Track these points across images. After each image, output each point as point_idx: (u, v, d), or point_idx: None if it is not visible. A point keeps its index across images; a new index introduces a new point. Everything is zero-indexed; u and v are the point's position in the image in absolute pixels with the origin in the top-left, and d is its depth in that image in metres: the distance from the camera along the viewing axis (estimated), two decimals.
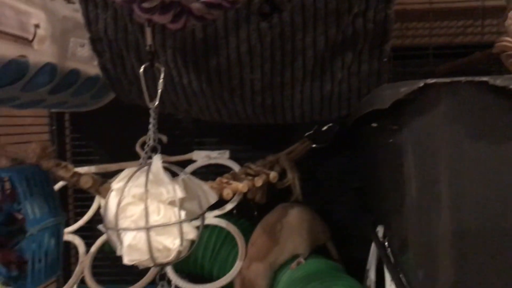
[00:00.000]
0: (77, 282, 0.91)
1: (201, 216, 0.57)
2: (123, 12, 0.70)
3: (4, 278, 0.65)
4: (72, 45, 0.85)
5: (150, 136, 0.58)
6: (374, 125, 0.75)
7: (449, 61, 0.93)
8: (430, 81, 0.39)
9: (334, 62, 0.72)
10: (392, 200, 0.60)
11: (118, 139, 1.13)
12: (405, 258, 0.53)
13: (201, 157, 1.06)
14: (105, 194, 0.76)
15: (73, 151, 1.15)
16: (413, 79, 0.41)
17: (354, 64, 0.73)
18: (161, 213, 0.53)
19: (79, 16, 0.77)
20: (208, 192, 0.59)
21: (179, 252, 0.54)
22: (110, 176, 0.87)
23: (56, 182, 0.90)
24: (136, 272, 0.95)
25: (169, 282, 0.90)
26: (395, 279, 0.53)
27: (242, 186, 0.86)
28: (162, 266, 0.55)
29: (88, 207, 1.05)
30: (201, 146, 1.11)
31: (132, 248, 0.52)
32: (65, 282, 1.02)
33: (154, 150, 0.57)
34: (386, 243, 0.65)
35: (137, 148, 1.07)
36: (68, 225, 0.99)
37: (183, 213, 0.54)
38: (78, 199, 1.13)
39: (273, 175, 0.90)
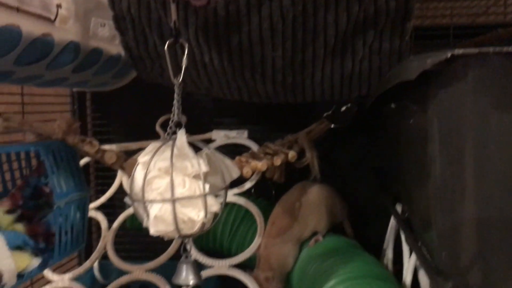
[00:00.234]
0: (99, 257, 0.93)
1: (225, 189, 0.58)
2: None
3: (33, 249, 0.68)
4: (93, 25, 0.86)
5: (174, 112, 0.59)
6: (393, 106, 0.76)
7: None
8: (458, 51, 0.39)
9: (355, 41, 0.72)
10: (414, 178, 0.60)
11: (138, 119, 1.14)
12: (428, 236, 0.53)
13: (220, 137, 1.07)
14: (128, 170, 0.78)
15: (94, 130, 1.17)
16: None
17: (375, 42, 0.73)
18: (186, 186, 0.54)
19: None
20: (231, 166, 0.60)
21: (203, 224, 0.55)
22: (130, 155, 0.88)
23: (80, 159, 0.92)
24: (155, 248, 0.98)
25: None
26: (417, 253, 0.53)
27: (261, 164, 0.87)
28: (186, 237, 0.56)
29: (109, 185, 1.07)
30: (220, 126, 1.12)
31: (158, 219, 0.53)
32: (87, 258, 1.05)
33: (178, 125, 0.58)
34: (406, 219, 0.66)
35: (157, 128, 1.09)
36: (90, 202, 1.01)
37: (207, 187, 0.55)
38: (99, 177, 1.16)
39: (291, 154, 0.91)
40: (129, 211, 0.97)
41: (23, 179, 0.76)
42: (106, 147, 1.05)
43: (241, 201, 0.95)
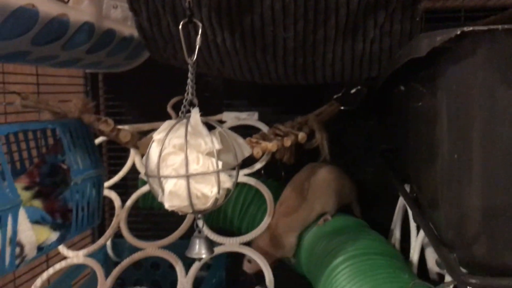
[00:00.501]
0: (113, 234, 0.96)
1: (237, 167, 0.59)
2: None
3: (51, 224, 0.70)
4: (106, 6, 0.87)
5: (188, 91, 0.60)
6: (402, 88, 0.77)
7: None
8: (467, 28, 0.39)
9: (366, 22, 0.73)
10: (422, 159, 0.61)
11: (150, 100, 1.16)
12: (435, 215, 0.54)
13: (231, 118, 1.08)
14: (142, 148, 0.80)
15: (107, 112, 1.18)
16: None
17: (386, 23, 0.74)
18: (200, 163, 0.55)
19: None
20: (243, 145, 0.61)
21: (216, 200, 0.56)
22: (142, 135, 0.90)
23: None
24: (166, 228, 1.00)
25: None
26: (425, 228, 0.54)
27: (271, 145, 0.89)
28: (200, 213, 0.58)
29: (121, 165, 1.09)
30: (230, 108, 1.13)
31: (173, 194, 0.55)
32: (100, 236, 1.08)
33: (192, 104, 0.60)
34: (414, 198, 0.67)
35: (169, 109, 1.10)
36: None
37: (220, 164, 0.56)
38: (112, 157, 1.18)
39: (301, 135, 0.92)
40: (141, 191, 1.00)
41: (40, 157, 0.78)
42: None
43: (252, 181, 0.96)
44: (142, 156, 1.02)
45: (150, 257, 0.99)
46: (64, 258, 0.94)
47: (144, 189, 0.99)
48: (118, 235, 1.02)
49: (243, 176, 0.96)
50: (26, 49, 0.73)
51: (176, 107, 1.10)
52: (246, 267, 0.94)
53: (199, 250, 0.61)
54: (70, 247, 0.96)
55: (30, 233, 0.62)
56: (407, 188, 0.79)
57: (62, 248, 0.93)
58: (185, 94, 0.60)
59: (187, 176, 0.54)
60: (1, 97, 0.85)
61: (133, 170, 1.07)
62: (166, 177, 0.55)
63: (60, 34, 0.75)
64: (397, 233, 0.87)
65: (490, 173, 0.45)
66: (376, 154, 1.06)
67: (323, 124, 0.98)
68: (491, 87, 0.42)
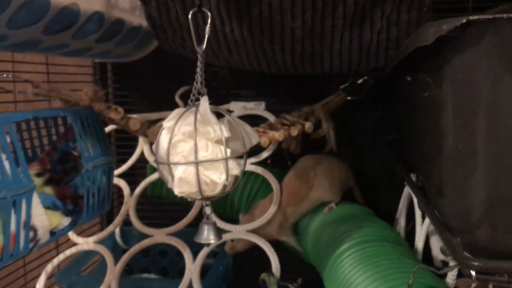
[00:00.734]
0: (122, 221, 0.97)
1: (245, 154, 0.61)
2: None
3: (62, 210, 0.72)
4: None
5: (197, 79, 0.61)
6: (409, 78, 0.77)
7: None
8: (473, 17, 0.40)
9: (374, 11, 0.73)
10: (428, 149, 0.62)
11: (158, 90, 1.17)
12: (441, 203, 0.55)
13: (238, 108, 1.09)
14: (151, 136, 0.81)
15: (115, 101, 1.20)
16: None
17: (394, 13, 0.74)
18: (209, 150, 0.56)
19: None
20: (251, 133, 0.62)
21: (225, 186, 0.57)
22: (151, 124, 0.91)
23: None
24: (174, 216, 1.01)
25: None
26: (430, 214, 0.55)
27: (278, 134, 0.90)
28: (208, 199, 0.59)
29: (129, 154, 1.10)
30: (237, 98, 1.14)
31: (182, 181, 0.56)
32: (108, 224, 1.10)
33: (201, 93, 0.60)
34: (420, 187, 0.68)
35: (176, 99, 1.12)
36: None
37: (228, 151, 0.57)
38: (120, 146, 1.19)
39: (308, 125, 0.93)
40: (150, 179, 1.01)
41: (51, 144, 0.79)
42: None
43: (258, 170, 0.97)
44: (151, 144, 1.04)
45: (158, 245, 1.01)
46: (74, 244, 0.96)
47: (153, 177, 1.01)
48: (125, 223, 1.04)
49: (250, 165, 0.97)
50: (38, 38, 0.74)
51: (184, 97, 1.12)
52: (228, 247, 0.96)
53: (208, 236, 0.62)
54: (79, 234, 0.98)
55: (43, 218, 0.64)
56: (413, 178, 0.80)
57: (72, 235, 0.95)
58: (194, 83, 0.61)
59: (196, 163, 0.55)
60: (11, 85, 0.86)
61: (141, 159, 1.08)
62: (176, 163, 0.56)
63: (71, 23, 0.76)
64: (402, 222, 0.88)
65: (494, 162, 0.46)
66: (382, 144, 1.06)
67: (329, 114, 0.99)
68: (496, 76, 0.42)
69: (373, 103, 1.08)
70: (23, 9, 0.65)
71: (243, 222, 0.94)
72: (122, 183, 1.01)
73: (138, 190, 0.98)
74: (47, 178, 0.76)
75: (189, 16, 0.59)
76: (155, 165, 1.01)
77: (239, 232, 0.92)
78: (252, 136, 0.62)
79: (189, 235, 0.98)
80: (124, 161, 1.09)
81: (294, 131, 0.91)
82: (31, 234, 0.62)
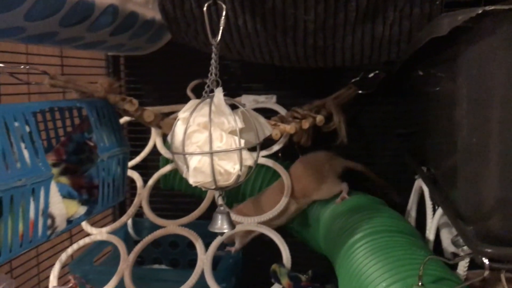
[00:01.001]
0: (135, 212, 0.99)
1: (258, 145, 0.61)
2: None
3: (78, 199, 0.73)
4: None
5: (212, 71, 0.62)
6: (420, 73, 0.77)
7: None
8: (488, 8, 0.40)
9: (386, 4, 0.73)
10: (441, 142, 0.62)
11: (170, 83, 1.18)
12: (453, 193, 0.55)
13: (249, 101, 1.10)
14: (165, 128, 0.82)
15: (128, 94, 1.21)
16: None
17: (406, 6, 0.74)
18: (223, 140, 0.57)
19: None
20: (264, 124, 0.63)
21: (238, 176, 0.58)
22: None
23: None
24: (185, 208, 1.02)
25: None
26: (442, 204, 0.55)
27: (289, 127, 0.90)
28: (222, 189, 0.60)
29: (142, 146, 1.12)
30: (248, 91, 1.14)
31: (197, 170, 0.57)
32: (120, 215, 1.11)
33: (216, 84, 0.61)
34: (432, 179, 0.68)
35: (188, 92, 1.12)
36: None
37: (242, 142, 0.58)
38: (132, 139, 1.20)
39: (319, 118, 0.94)
40: (163, 170, 1.02)
41: (66, 135, 0.81)
42: None
43: (270, 162, 0.98)
44: (164, 136, 1.05)
45: (169, 236, 1.02)
46: (88, 235, 0.97)
47: (165, 169, 1.02)
48: (136, 215, 1.06)
49: (261, 158, 0.98)
50: (54, 30, 0.75)
51: (195, 90, 1.13)
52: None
53: (221, 225, 0.63)
54: (92, 225, 1.00)
55: (60, 206, 0.65)
56: (424, 169, 0.80)
57: (86, 225, 0.97)
58: (209, 75, 0.62)
59: (211, 153, 0.56)
60: (25, 77, 0.87)
61: (153, 151, 1.10)
62: (191, 154, 0.57)
63: (86, 16, 0.77)
64: (413, 213, 0.88)
65: (507, 154, 0.46)
66: (392, 138, 1.07)
67: (340, 108, 0.99)
68: (511, 67, 0.42)
69: (383, 97, 1.09)
70: (40, 1, 0.66)
71: (238, 212, 0.96)
72: (135, 175, 1.02)
73: (151, 181, 1.00)
74: (63, 168, 0.77)
75: (204, 8, 0.60)
76: (167, 156, 1.02)
77: (250, 224, 0.93)
78: (265, 127, 0.63)
79: (200, 227, 0.99)
80: (137, 153, 1.11)
81: (306, 124, 0.92)
82: (49, 221, 0.64)
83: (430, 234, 0.76)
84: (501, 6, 0.40)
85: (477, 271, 0.64)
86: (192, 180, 0.58)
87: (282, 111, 1.06)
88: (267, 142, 0.99)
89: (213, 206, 0.95)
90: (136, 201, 0.97)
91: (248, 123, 0.61)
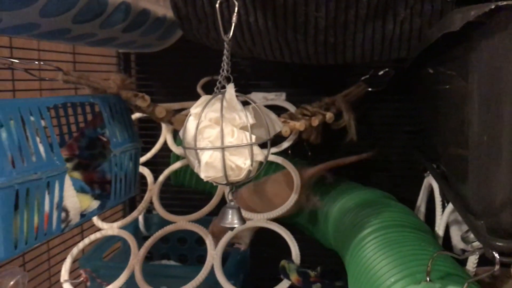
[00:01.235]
0: (146, 208, 1.00)
1: (269, 141, 0.62)
2: None
3: (91, 193, 0.74)
4: None
5: (224, 68, 0.63)
6: (430, 70, 0.77)
7: None
8: (502, 3, 0.40)
9: (397, 2, 0.73)
10: (452, 136, 0.62)
11: (180, 80, 1.19)
12: (464, 189, 0.55)
13: (259, 98, 1.11)
14: (176, 124, 0.83)
15: (138, 90, 1.21)
16: None
17: (417, 4, 0.74)
18: (234, 136, 0.58)
19: None
20: (275, 120, 0.63)
21: (249, 172, 0.59)
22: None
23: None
24: (194, 205, 1.03)
25: None
26: (453, 200, 0.56)
27: (299, 124, 0.91)
28: (233, 184, 0.61)
29: (152, 143, 1.13)
30: (257, 89, 1.15)
31: (208, 165, 0.58)
32: (131, 211, 1.12)
33: (227, 80, 0.62)
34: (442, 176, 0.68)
35: (198, 89, 1.13)
36: None
37: (253, 137, 0.58)
38: (142, 135, 1.22)
39: (329, 115, 0.94)
40: (173, 167, 1.03)
41: (78, 131, 0.82)
42: None
43: (279, 159, 0.99)
44: (174, 132, 1.06)
45: (177, 232, 1.03)
46: (98, 230, 0.98)
47: (176, 165, 1.03)
48: (148, 211, 1.07)
49: (270, 155, 0.98)
50: (68, 27, 0.76)
51: (205, 87, 1.13)
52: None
53: (232, 220, 0.63)
54: (102, 220, 1.01)
55: (74, 200, 0.66)
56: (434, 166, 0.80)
57: (97, 221, 0.98)
58: (220, 71, 0.63)
59: (222, 148, 0.57)
60: (36, 73, 0.88)
61: (164, 148, 1.11)
62: (203, 149, 0.58)
63: (99, 12, 0.78)
64: (422, 208, 0.89)
65: None
66: (401, 135, 1.07)
67: (350, 105, 0.99)
68: None
69: (393, 94, 1.09)
70: None
71: (239, 199, 0.96)
72: (146, 171, 1.03)
73: (161, 177, 1.00)
74: (75, 163, 0.78)
75: (217, 5, 0.61)
76: (178, 152, 1.03)
77: (259, 220, 0.93)
78: (276, 123, 0.64)
79: (210, 223, 1.00)
80: (147, 150, 1.12)
81: (315, 121, 0.92)
82: (63, 215, 0.65)
83: (439, 231, 0.76)
84: None
85: (486, 268, 0.64)
86: (203, 175, 0.59)
87: (291, 108, 1.07)
88: (277, 139, 1.00)
89: (222, 202, 0.96)
90: (147, 196, 0.98)
91: (259, 119, 0.61)
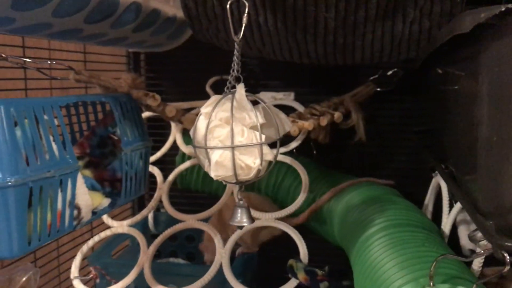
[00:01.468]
0: (155, 206, 1.00)
1: (278, 140, 0.62)
2: None
3: (102, 191, 0.75)
4: None
5: (234, 68, 0.63)
6: (440, 71, 0.77)
7: None
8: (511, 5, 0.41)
9: (407, 2, 0.74)
10: (461, 136, 0.62)
11: (190, 80, 1.20)
12: (473, 189, 0.55)
13: (267, 98, 1.11)
14: (186, 123, 0.84)
15: (148, 90, 1.22)
16: None
17: (427, 4, 0.75)
18: (244, 135, 0.58)
19: None
20: (284, 120, 0.64)
21: (258, 171, 0.59)
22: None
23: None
24: (202, 204, 1.04)
25: None
26: (462, 200, 0.56)
27: (307, 124, 0.91)
28: (243, 183, 0.61)
29: (161, 142, 1.13)
30: (266, 88, 1.16)
31: (218, 164, 0.58)
32: (140, 209, 1.13)
33: (237, 80, 0.62)
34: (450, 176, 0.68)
35: (207, 88, 1.14)
36: None
37: (263, 137, 0.59)
38: (151, 134, 1.22)
39: (337, 115, 0.94)
40: (180, 168, 1.04)
41: (89, 129, 0.83)
42: None
43: (287, 159, 0.99)
44: (184, 131, 1.07)
45: (185, 230, 1.04)
46: (108, 228, 0.99)
47: (185, 165, 1.04)
48: (156, 209, 1.07)
49: (279, 155, 0.98)
50: (79, 26, 0.77)
51: (215, 87, 1.14)
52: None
53: (241, 219, 0.64)
54: (112, 218, 1.02)
55: (86, 197, 0.67)
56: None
57: (106, 219, 0.99)
58: (231, 71, 0.63)
59: (232, 148, 0.57)
60: (47, 72, 0.89)
61: (173, 147, 1.11)
62: (213, 148, 0.58)
63: (111, 12, 0.79)
64: (430, 207, 0.89)
65: None
66: (409, 135, 1.07)
67: (359, 105, 1.00)
68: None
69: (402, 95, 1.09)
70: None
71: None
72: (155, 170, 1.04)
73: (171, 176, 1.01)
74: (86, 161, 0.79)
75: (227, 5, 0.61)
76: (188, 152, 1.04)
77: (268, 220, 0.94)
78: (285, 123, 0.64)
79: None
80: (157, 149, 1.13)
81: (324, 121, 0.93)
82: (75, 212, 0.66)
83: (446, 230, 0.76)
84: None
85: (495, 268, 0.64)
86: (213, 174, 0.59)
87: (300, 108, 1.07)
88: (285, 139, 1.00)
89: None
90: (156, 195, 0.99)
91: (268, 118, 0.62)
